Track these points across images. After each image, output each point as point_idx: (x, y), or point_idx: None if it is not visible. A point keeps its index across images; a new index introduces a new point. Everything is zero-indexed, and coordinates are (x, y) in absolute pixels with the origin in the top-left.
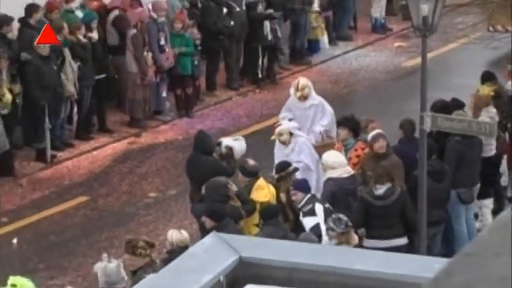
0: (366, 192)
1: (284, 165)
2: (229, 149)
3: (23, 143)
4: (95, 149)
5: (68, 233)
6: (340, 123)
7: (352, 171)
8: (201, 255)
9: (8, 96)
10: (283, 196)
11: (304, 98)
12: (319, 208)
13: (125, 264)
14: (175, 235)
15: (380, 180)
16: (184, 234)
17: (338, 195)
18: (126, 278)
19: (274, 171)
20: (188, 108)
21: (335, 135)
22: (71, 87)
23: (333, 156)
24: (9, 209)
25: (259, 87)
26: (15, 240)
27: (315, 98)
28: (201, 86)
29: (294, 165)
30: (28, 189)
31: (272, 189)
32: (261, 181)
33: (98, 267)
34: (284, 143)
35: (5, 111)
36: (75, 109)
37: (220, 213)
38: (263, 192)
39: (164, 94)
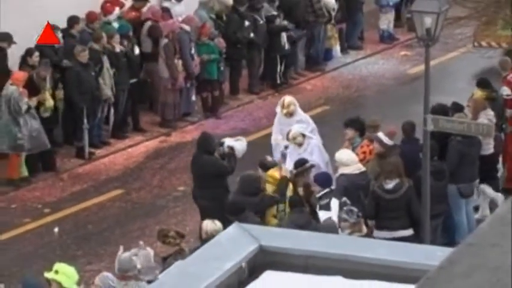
0: (377, 186)
1: (302, 162)
2: (231, 148)
3: (64, 142)
4: (129, 146)
5: (104, 223)
6: (348, 124)
7: (363, 168)
8: (225, 243)
9: (50, 102)
10: (300, 190)
11: (290, 114)
12: (334, 203)
13: (156, 251)
14: (209, 225)
15: (389, 175)
16: (218, 224)
17: (350, 190)
18: (139, 266)
19: (293, 167)
20: (214, 110)
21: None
22: (108, 91)
23: (346, 154)
24: (51, 201)
25: (278, 91)
26: (56, 229)
27: (300, 114)
28: (224, 91)
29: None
30: (68, 183)
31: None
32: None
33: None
34: (300, 145)
35: (46, 115)
36: (112, 111)
37: (240, 206)
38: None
39: (193, 98)
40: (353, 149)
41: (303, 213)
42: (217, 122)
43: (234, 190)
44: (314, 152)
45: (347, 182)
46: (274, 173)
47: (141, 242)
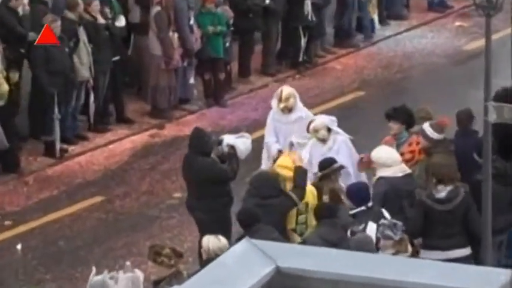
0: (425, 194)
1: (329, 162)
2: (232, 148)
3: (30, 136)
4: (112, 142)
5: (79, 239)
6: (391, 115)
7: (408, 170)
8: (232, 264)
9: (4, 87)
10: (326, 198)
11: (288, 109)
12: (371, 229)
13: (146, 274)
14: (212, 242)
15: (443, 180)
16: (223, 240)
17: (390, 197)
18: None
19: (317, 168)
20: (218, 96)
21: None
22: (85, 72)
23: (386, 153)
24: (13, 210)
25: (299, 72)
26: (19, 247)
27: (301, 110)
28: (232, 71)
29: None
30: (35, 188)
31: (312, 189)
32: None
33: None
34: (323, 141)
35: (0, 103)
36: (90, 97)
37: (256, 214)
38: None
39: (192, 80)
40: (398, 147)
41: (335, 226)
42: (222, 111)
43: (246, 195)
44: (341, 152)
45: (387, 186)
46: (285, 160)
47: (127, 263)
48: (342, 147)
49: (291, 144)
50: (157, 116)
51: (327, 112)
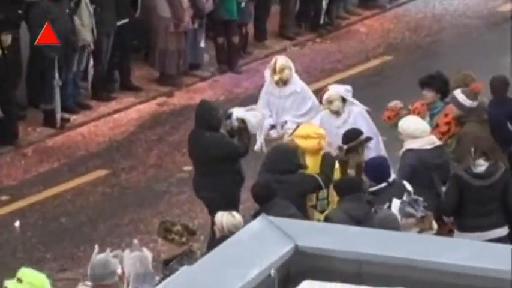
0: (462, 169)
1: (355, 133)
2: (242, 121)
3: (28, 104)
4: (117, 111)
5: (82, 215)
6: (425, 82)
7: (437, 142)
8: (248, 243)
9: None
10: (351, 173)
11: (283, 82)
12: (396, 207)
13: (155, 253)
14: (226, 218)
15: (484, 153)
16: (237, 217)
17: (419, 171)
18: (119, 271)
19: (341, 140)
20: (232, 61)
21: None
22: (87, 35)
23: (414, 123)
24: (10, 184)
25: (320, 35)
26: (17, 224)
27: (297, 84)
28: (248, 34)
29: None
30: (34, 160)
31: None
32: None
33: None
34: (337, 113)
35: None
36: (91, 62)
37: (271, 189)
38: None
39: (203, 44)
40: (432, 118)
41: (360, 201)
42: (236, 77)
43: (261, 169)
44: (358, 124)
45: (415, 160)
46: (306, 129)
47: (135, 241)
48: (358, 120)
49: (284, 123)
50: (165, 83)
51: (350, 79)
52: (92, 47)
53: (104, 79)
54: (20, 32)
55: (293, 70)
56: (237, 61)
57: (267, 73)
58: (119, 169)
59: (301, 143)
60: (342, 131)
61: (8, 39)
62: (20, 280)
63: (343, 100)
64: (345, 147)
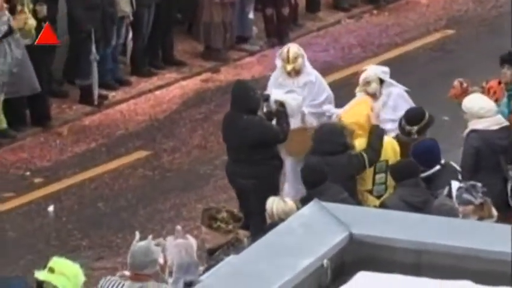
0: None
1: (420, 113)
2: (281, 104)
3: (63, 79)
4: (158, 88)
5: (121, 200)
6: (506, 60)
7: (505, 123)
8: (299, 230)
9: (32, 22)
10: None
11: (296, 72)
12: (455, 188)
13: (199, 241)
14: (276, 204)
15: None
16: (289, 203)
17: (485, 153)
18: (160, 260)
19: (403, 121)
20: (282, 34)
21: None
22: (125, 6)
23: (478, 101)
24: (44, 166)
25: (378, 7)
26: (51, 209)
27: (311, 73)
28: (298, 5)
29: (388, 125)
30: (69, 140)
31: (393, 143)
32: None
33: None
34: (374, 96)
35: (27, 41)
36: (130, 35)
37: (321, 172)
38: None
39: (251, 15)
40: (510, 98)
41: (418, 187)
42: None
43: (308, 151)
44: (399, 107)
45: (480, 142)
46: (356, 108)
47: (178, 227)
48: (398, 103)
49: (303, 115)
50: (211, 58)
51: (409, 55)
52: (132, 18)
53: (144, 53)
54: (58, 3)
55: (306, 58)
56: (287, 34)
57: (278, 61)
58: (160, 150)
59: (350, 121)
60: (381, 116)
61: (43, 9)
62: (51, 270)
63: (381, 82)
64: (415, 129)
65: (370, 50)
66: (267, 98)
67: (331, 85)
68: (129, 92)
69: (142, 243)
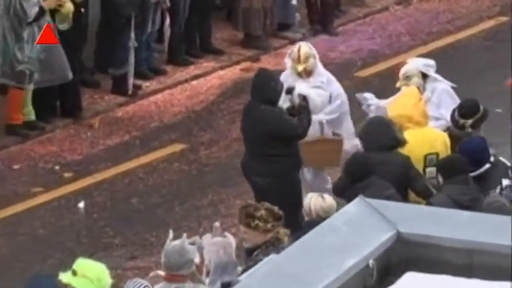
0: None
1: (475, 104)
2: (304, 99)
3: (95, 69)
4: (195, 77)
5: (156, 195)
6: None
7: None
8: (342, 229)
9: (69, 6)
10: None
11: (307, 73)
12: (504, 184)
13: (237, 240)
14: (314, 201)
15: None
16: (328, 200)
17: None
18: (196, 260)
19: (456, 113)
20: (326, 21)
21: (344, 130)
22: None
23: None
24: (75, 160)
25: None
26: (81, 205)
27: (322, 74)
28: None
29: (432, 123)
30: (101, 133)
31: (444, 137)
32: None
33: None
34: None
35: (64, 26)
36: (167, 21)
37: (368, 167)
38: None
39: (294, 1)
40: None
41: (467, 185)
42: (331, 40)
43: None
44: (444, 104)
45: None
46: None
47: (216, 224)
48: (443, 99)
49: (321, 125)
50: (251, 46)
51: (460, 43)
52: (168, 4)
53: (181, 41)
54: None
55: (317, 58)
56: (331, 21)
57: (288, 63)
58: (197, 143)
59: (400, 116)
60: None
61: None
62: (74, 272)
63: (424, 76)
64: (469, 122)
65: (419, 38)
66: (290, 91)
67: (377, 75)
68: (164, 82)
69: (177, 242)
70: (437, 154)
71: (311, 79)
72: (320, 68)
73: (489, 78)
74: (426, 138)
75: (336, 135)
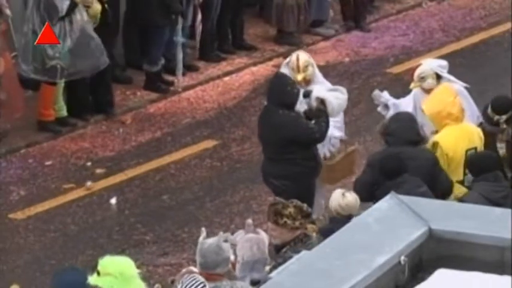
0: None
1: (508, 102)
2: (322, 102)
3: (127, 65)
4: (228, 73)
5: (187, 192)
6: None
7: None
8: (374, 226)
9: (97, 6)
10: (501, 147)
11: (306, 82)
12: None
13: (269, 236)
14: (334, 198)
15: None
16: (348, 197)
17: None
18: (232, 258)
19: (489, 109)
20: (359, 17)
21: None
22: None
23: None
24: (107, 156)
25: None
26: (113, 201)
27: (321, 83)
28: None
29: None
30: (133, 129)
31: (479, 132)
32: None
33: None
34: (429, 92)
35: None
36: (199, 17)
37: (400, 162)
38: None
39: None
40: None
41: (498, 181)
42: (364, 36)
43: (384, 145)
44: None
45: None
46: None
47: (249, 220)
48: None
49: (329, 138)
50: (283, 42)
51: (493, 39)
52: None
53: (213, 37)
54: None
55: (315, 67)
56: (364, 17)
57: (285, 69)
58: (229, 140)
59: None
60: None
61: None
62: (98, 273)
63: (438, 77)
64: (503, 119)
65: (453, 35)
66: (308, 94)
67: (410, 72)
68: (196, 78)
69: (211, 240)
70: (475, 149)
71: (311, 87)
72: (319, 76)
73: None
74: (465, 133)
75: (347, 143)
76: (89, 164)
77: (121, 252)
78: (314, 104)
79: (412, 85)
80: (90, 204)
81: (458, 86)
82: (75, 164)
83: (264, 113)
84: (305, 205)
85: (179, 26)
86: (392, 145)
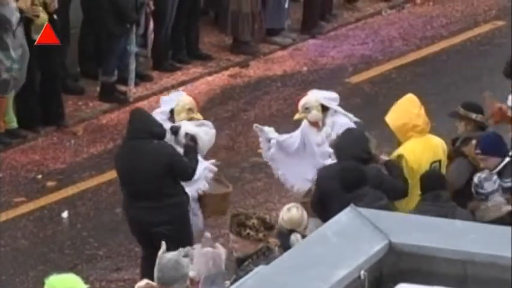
0: None
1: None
2: (192, 139)
3: (81, 74)
4: (182, 83)
5: None
6: None
7: None
8: (333, 239)
9: (44, 16)
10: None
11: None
12: None
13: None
14: (281, 211)
15: None
16: (292, 212)
17: None
18: (191, 274)
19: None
20: (317, 25)
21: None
22: None
23: None
24: (58, 168)
25: None
26: (65, 215)
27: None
28: None
29: (329, 160)
30: (85, 140)
31: (443, 144)
32: None
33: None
34: (316, 125)
35: (37, 37)
36: (151, 25)
37: (361, 174)
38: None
39: (286, 5)
40: None
41: (437, 201)
42: (322, 45)
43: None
44: None
45: None
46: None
47: (207, 234)
48: None
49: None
50: (239, 51)
51: (455, 48)
52: (153, 7)
53: (167, 46)
54: None
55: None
56: (323, 25)
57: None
58: None
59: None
60: (322, 150)
61: (54, 2)
62: None
63: (324, 109)
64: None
65: (413, 43)
66: (176, 131)
67: (369, 81)
68: (150, 88)
69: (171, 255)
70: (439, 161)
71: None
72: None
73: (485, 83)
74: (430, 146)
75: (224, 184)
76: (39, 176)
77: (73, 267)
78: (183, 140)
79: (296, 116)
80: (41, 218)
81: (345, 119)
82: (25, 177)
83: (131, 151)
84: (268, 217)
85: (133, 35)
86: (339, 160)
